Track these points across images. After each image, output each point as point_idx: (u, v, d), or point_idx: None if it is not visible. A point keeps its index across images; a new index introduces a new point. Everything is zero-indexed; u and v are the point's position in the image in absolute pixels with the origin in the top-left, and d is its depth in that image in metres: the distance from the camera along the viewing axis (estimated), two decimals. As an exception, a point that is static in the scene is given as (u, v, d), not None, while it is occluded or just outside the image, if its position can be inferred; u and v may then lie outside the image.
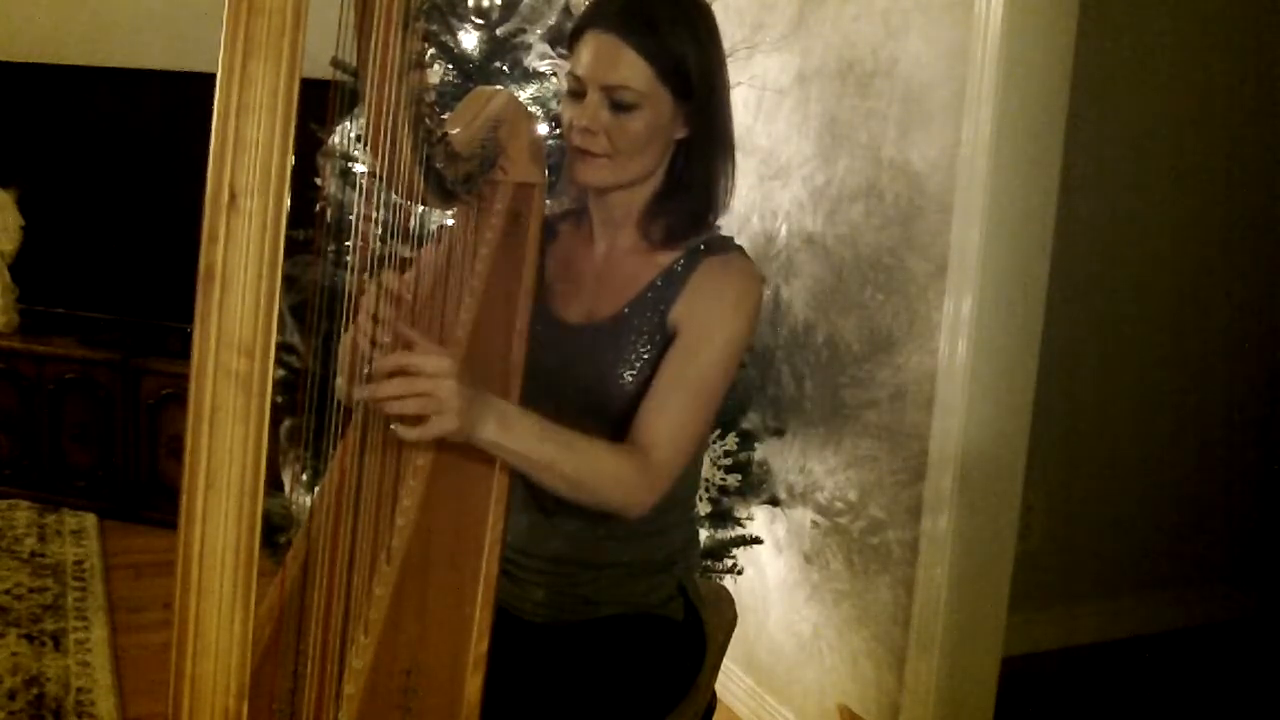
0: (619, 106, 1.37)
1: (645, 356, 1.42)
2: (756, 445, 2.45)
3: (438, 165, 1.24)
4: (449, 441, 1.16)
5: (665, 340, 1.42)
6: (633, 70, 1.35)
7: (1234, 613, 3.26)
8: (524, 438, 1.22)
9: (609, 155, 1.39)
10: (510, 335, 1.35)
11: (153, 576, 3.17)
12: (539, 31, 2.25)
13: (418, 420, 1.11)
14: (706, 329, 1.40)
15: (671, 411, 1.37)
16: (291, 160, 0.68)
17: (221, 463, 0.68)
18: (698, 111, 1.41)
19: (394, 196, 1.25)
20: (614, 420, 1.41)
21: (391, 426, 1.12)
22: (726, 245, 1.48)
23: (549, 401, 1.33)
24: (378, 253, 1.28)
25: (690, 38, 1.37)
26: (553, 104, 2.19)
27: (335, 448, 1.20)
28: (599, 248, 1.51)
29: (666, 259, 1.45)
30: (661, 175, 1.46)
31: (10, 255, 3.66)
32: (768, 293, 2.50)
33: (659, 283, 1.44)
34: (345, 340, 1.28)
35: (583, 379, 1.44)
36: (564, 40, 1.50)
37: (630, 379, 1.42)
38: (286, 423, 2.34)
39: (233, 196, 0.66)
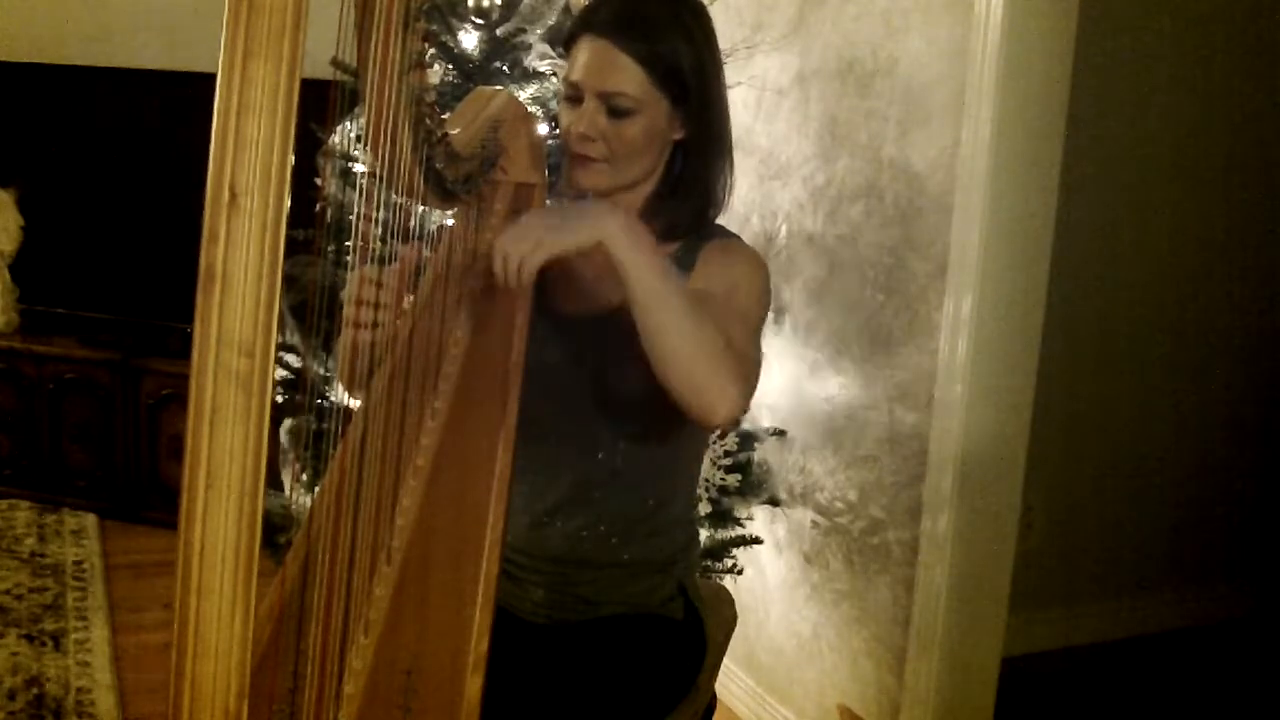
0: (616, 113, 1.37)
1: None
2: (756, 445, 2.45)
3: (438, 165, 1.24)
4: (453, 434, 1.16)
5: None
6: (628, 77, 1.36)
7: (1234, 613, 3.26)
8: (648, 249, 1.22)
9: (608, 160, 1.40)
10: (511, 333, 1.35)
11: (153, 576, 3.17)
12: (539, 31, 2.25)
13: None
14: (727, 285, 1.40)
15: (731, 330, 1.30)
16: (291, 160, 0.68)
17: (221, 463, 0.68)
18: (694, 114, 1.42)
19: (394, 196, 1.25)
20: (623, 408, 1.41)
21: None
22: (725, 233, 1.51)
23: (555, 395, 1.33)
24: (378, 253, 1.28)
25: (685, 41, 1.38)
26: (553, 104, 2.18)
27: (335, 448, 1.20)
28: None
29: (669, 248, 1.47)
30: (660, 175, 1.47)
31: (10, 255, 3.66)
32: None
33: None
34: (344, 338, 1.29)
35: (590, 368, 1.44)
36: (563, 41, 1.50)
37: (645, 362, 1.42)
38: (286, 423, 2.34)
39: (233, 196, 0.66)
